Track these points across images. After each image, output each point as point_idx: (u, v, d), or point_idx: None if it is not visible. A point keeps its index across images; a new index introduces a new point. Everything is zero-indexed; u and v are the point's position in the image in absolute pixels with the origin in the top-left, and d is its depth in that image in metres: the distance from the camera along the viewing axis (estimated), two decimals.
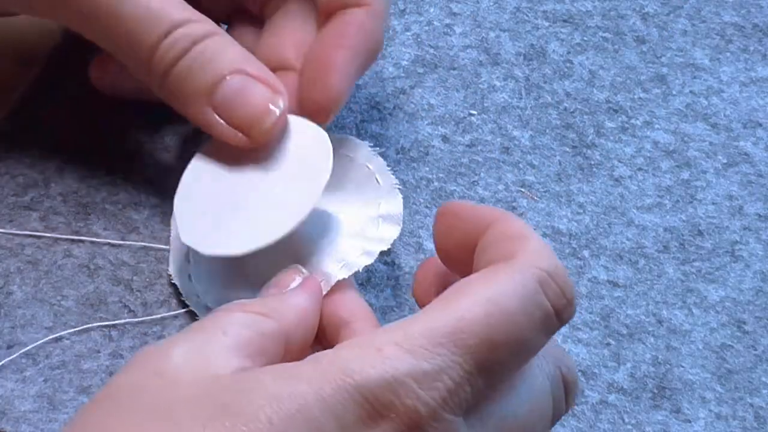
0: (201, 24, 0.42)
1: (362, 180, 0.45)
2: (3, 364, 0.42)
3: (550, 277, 0.34)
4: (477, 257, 0.36)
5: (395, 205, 0.44)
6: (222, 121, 0.42)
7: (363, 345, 0.32)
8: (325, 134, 0.43)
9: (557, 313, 0.34)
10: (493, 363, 0.32)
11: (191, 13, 0.42)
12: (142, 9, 0.41)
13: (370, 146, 0.45)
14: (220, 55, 0.42)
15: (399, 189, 0.44)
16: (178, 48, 0.41)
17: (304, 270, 0.41)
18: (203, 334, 0.34)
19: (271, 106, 0.42)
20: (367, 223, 0.44)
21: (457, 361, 0.32)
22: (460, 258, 0.37)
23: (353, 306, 0.41)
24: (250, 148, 0.42)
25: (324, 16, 0.45)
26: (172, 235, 0.45)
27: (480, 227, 0.36)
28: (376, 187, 0.44)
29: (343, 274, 0.41)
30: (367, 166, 0.45)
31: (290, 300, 0.38)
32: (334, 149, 0.42)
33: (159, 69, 0.42)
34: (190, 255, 0.44)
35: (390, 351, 0.32)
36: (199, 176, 0.43)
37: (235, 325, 0.35)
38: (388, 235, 0.43)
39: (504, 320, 0.33)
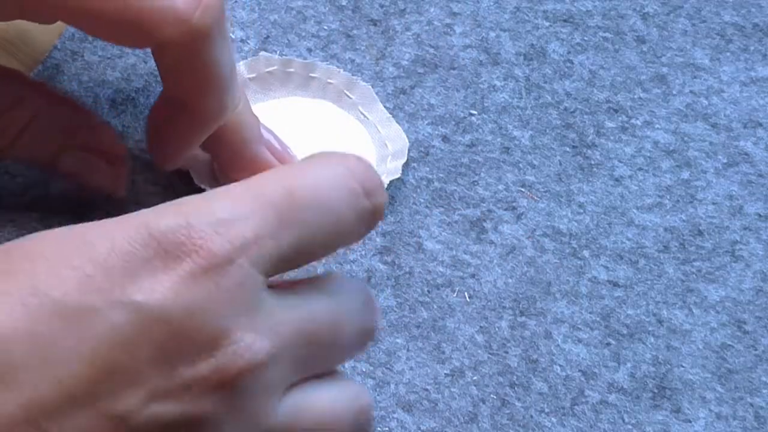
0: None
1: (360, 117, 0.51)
2: None
3: (359, 164, 0.33)
4: None
5: (400, 141, 0.49)
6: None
7: (166, 205, 0.32)
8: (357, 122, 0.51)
9: (367, 194, 0.33)
10: (298, 221, 0.31)
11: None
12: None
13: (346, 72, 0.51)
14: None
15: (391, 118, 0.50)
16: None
17: None
18: None
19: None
20: (381, 158, 0.49)
21: (258, 211, 0.31)
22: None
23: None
24: None
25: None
26: None
27: None
28: (367, 122, 0.50)
29: None
30: (347, 95, 0.51)
31: None
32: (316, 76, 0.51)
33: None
34: None
35: (188, 204, 0.31)
36: None
37: None
38: (397, 165, 0.49)
39: (309, 182, 0.32)
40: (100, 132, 0.46)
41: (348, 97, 0.51)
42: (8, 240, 0.45)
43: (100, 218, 0.46)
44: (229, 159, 0.47)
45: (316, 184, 0.32)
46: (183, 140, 0.44)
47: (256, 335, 0.30)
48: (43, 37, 0.51)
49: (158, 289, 0.29)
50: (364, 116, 0.50)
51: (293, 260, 0.32)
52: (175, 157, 0.45)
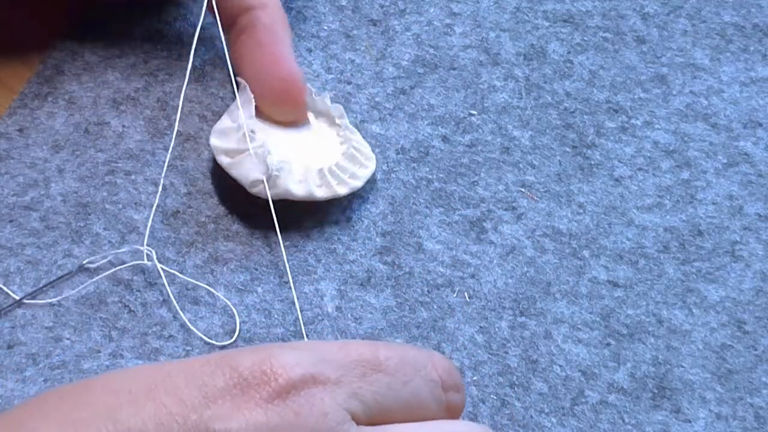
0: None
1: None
2: (3, 364, 0.42)
3: (443, 361, 0.35)
4: None
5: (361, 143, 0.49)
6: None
7: (249, 347, 0.32)
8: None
9: (445, 388, 0.35)
10: (379, 381, 0.33)
11: None
12: None
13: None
14: None
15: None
16: None
17: None
18: None
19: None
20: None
21: (344, 360, 0.32)
22: None
23: None
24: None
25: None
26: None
27: None
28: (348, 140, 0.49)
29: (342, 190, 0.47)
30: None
31: None
32: None
33: None
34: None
35: (272, 346, 0.32)
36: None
37: None
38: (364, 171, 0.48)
39: (394, 354, 0.33)
40: None
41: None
42: (6, 242, 0.45)
43: (99, 218, 0.46)
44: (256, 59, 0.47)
45: (402, 359, 0.33)
46: None
47: None
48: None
49: (234, 415, 0.30)
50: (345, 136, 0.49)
51: (373, 415, 0.32)
52: None
